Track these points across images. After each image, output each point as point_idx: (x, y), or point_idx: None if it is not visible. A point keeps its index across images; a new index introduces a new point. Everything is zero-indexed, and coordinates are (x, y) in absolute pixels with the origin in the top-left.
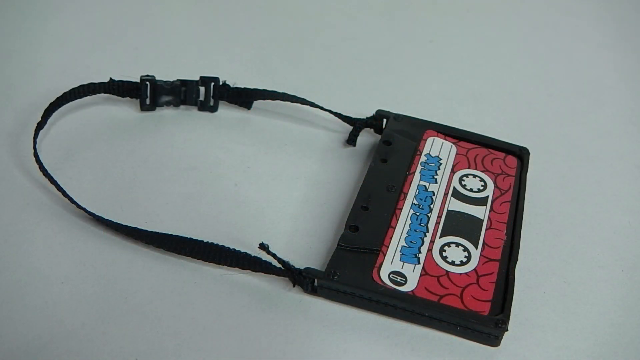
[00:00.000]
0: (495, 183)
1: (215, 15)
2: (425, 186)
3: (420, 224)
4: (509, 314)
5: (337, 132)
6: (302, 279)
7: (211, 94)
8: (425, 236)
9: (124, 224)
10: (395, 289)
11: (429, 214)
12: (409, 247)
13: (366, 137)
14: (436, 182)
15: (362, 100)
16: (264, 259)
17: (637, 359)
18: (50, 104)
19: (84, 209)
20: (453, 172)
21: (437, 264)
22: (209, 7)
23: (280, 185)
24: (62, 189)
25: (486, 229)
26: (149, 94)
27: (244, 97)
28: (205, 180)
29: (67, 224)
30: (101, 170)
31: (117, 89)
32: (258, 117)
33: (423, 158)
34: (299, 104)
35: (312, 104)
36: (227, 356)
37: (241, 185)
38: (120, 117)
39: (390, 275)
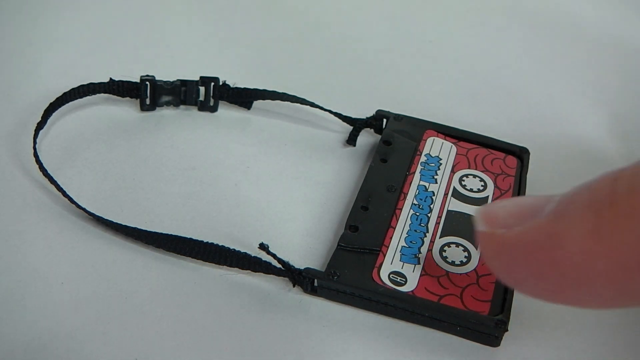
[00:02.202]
0: (495, 183)
1: (215, 15)
2: (425, 186)
3: (420, 224)
4: (509, 314)
5: (337, 132)
6: (302, 279)
7: (211, 94)
8: (425, 236)
9: (124, 224)
10: (395, 289)
11: (429, 214)
12: (409, 247)
13: (366, 137)
14: (436, 182)
15: (362, 100)
16: (263, 259)
17: (637, 359)
18: (50, 104)
19: (84, 209)
20: (453, 172)
21: (437, 264)
22: (208, 7)
23: (280, 185)
24: (62, 189)
25: None
26: (149, 94)
27: (244, 97)
28: (205, 180)
29: (67, 224)
30: (101, 170)
31: (117, 89)
32: (258, 117)
33: (423, 158)
34: (299, 104)
35: (312, 104)
36: (227, 356)
37: (241, 185)
38: (120, 117)
39: (390, 276)
